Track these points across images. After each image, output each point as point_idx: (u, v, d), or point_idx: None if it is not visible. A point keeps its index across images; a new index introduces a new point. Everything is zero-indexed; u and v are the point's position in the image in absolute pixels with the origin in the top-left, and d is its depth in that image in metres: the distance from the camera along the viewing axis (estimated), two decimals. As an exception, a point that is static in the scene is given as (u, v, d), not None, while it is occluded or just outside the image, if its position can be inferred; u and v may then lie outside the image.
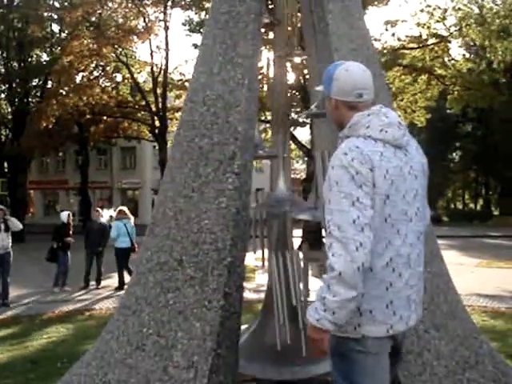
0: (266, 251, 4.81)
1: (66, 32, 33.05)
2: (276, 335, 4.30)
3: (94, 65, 33.84)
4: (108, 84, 35.21)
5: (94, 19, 31.03)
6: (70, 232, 13.44)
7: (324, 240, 2.42)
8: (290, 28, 4.74)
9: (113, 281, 13.76)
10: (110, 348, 4.01)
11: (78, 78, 33.00)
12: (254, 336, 4.84)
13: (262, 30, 5.49)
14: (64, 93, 31.03)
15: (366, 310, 2.48)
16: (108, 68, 34.60)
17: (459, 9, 26.25)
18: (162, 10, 31.21)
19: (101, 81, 34.72)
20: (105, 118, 33.71)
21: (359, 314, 2.47)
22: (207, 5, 23.96)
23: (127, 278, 12.56)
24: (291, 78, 21.42)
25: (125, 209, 14.12)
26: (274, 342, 4.31)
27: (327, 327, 2.41)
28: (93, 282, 13.55)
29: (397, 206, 2.49)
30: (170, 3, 30.83)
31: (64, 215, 13.70)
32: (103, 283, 13.65)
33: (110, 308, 10.60)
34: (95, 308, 10.92)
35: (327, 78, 2.70)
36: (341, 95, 2.65)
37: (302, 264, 4.51)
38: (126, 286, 7.00)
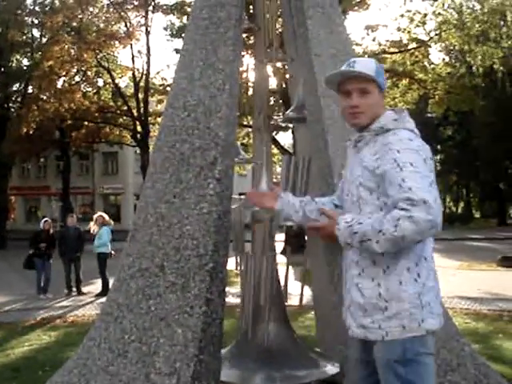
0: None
1: (47, 37, 32.80)
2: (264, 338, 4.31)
3: (75, 70, 33.66)
4: (89, 89, 35.05)
5: (74, 24, 30.89)
6: (53, 238, 13.38)
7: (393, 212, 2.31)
8: (270, 33, 4.75)
9: (95, 287, 13.67)
10: (91, 355, 3.98)
11: (59, 83, 32.80)
12: (238, 344, 4.83)
13: (243, 36, 5.51)
14: (45, 98, 30.84)
15: (426, 303, 2.47)
16: (89, 73, 34.44)
17: (439, 14, 26.48)
18: (144, 14, 31.20)
19: (82, 86, 34.55)
20: (86, 123, 33.52)
21: (421, 307, 2.45)
22: (189, 9, 23.94)
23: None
24: (273, 82, 21.49)
25: (103, 214, 14.14)
26: (258, 349, 4.32)
27: (346, 240, 2.44)
28: (74, 289, 13.47)
29: None
30: (151, 8, 30.81)
31: (42, 222, 13.71)
32: (85, 289, 13.55)
33: (92, 314, 10.51)
34: (77, 314, 10.83)
35: (383, 74, 2.72)
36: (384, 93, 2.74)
37: (278, 268, 4.53)
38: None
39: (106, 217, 13.90)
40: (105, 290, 12.69)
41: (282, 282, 4.75)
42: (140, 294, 3.85)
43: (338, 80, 2.70)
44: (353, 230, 2.40)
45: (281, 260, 5.19)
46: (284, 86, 22.10)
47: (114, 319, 3.95)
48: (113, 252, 13.06)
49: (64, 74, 32.31)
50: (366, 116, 2.65)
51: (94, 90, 35.03)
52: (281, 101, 22.99)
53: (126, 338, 3.81)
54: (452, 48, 27.96)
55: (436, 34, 26.43)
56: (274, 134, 21.16)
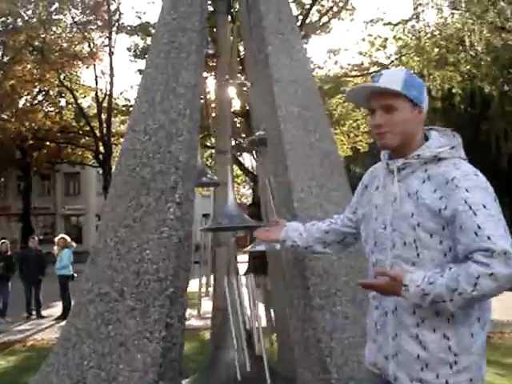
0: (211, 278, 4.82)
1: (9, 56, 32.46)
2: (235, 364, 4.29)
3: (37, 89, 33.32)
4: (51, 109, 34.70)
5: (37, 43, 30.63)
6: (10, 260, 13.13)
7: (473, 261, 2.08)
8: (229, 59, 4.83)
9: (55, 310, 13.44)
10: (50, 382, 3.91)
11: (21, 103, 32.42)
12: (206, 372, 4.81)
13: (207, 60, 5.57)
14: (6, 117, 30.40)
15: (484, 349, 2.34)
16: (51, 93, 34.13)
17: (399, 38, 27.14)
18: (107, 35, 31.13)
19: (44, 106, 34.20)
20: (48, 143, 33.15)
21: (484, 356, 2.33)
22: (153, 31, 23.98)
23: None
24: (236, 104, 21.60)
25: (65, 236, 13.99)
26: (230, 376, 4.31)
27: (415, 302, 2.18)
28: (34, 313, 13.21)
29: None
30: (115, 29, 30.78)
31: None
32: (45, 313, 13.30)
33: (52, 338, 10.29)
34: (37, 339, 10.63)
35: (419, 86, 2.40)
36: (425, 111, 2.43)
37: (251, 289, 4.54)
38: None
39: (68, 239, 13.76)
40: (65, 313, 12.49)
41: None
42: (99, 319, 3.81)
43: (365, 96, 2.40)
44: (424, 291, 2.12)
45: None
46: (248, 107, 22.24)
47: (73, 345, 3.89)
48: (75, 274, 12.89)
49: (26, 93, 31.98)
50: (394, 136, 2.33)
51: (57, 110, 34.70)
52: (244, 122, 23.11)
53: (85, 364, 3.76)
54: (412, 71, 28.55)
55: (396, 58, 27.07)
56: (238, 155, 21.24)
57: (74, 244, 13.75)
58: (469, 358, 2.23)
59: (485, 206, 2.11)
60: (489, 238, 2.06)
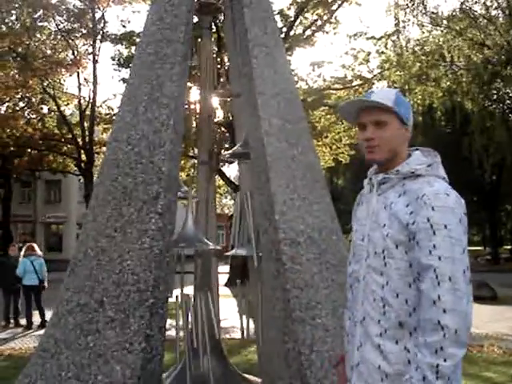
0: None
1: (-9, 62, 32.21)
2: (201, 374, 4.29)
3: (19, 96, 33.04)
4: (33, 116, 34.41)
5: (21, 50, 30.40)
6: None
7: (422, 286, 2.16)
8: (211, 71, 4.86)
9: (33, 319, 13.26)
10: (26, 393, 3.87)
11: (2, 109, 32.14)
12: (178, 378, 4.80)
13: (191, 70, 5.60)
14: (-14, 124, 30.10)
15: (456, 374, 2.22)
16: (34, 100, 33.86)
17: (382, 52, 27.41)
18: (91, 43, 31.00)
19: (26, 112, 33.92)
20: (29, 150, 32.85)
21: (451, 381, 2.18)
22: (137, 40, 23.97)
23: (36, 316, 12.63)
24: (220, 115, 21.64)
25: (34, 245, 13.78)
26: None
27: None
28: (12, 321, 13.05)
29: None
30: (99, 37, 30.69)
31: None
32: (23, 322, 13.13)
33: (30, 348, 10.19)
34: (14, 348, 10.47)
35: (407, 104, 2.45)
36: (410, 130, 2.46)
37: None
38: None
39: (36, 248, 13.56)
40: (29, 324, 12.62)
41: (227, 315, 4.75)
42: (78, 329, 3.79)
43: (355, 111, 2.46)
44: None
45: (226, 292, 5.19)
46: (231, 118, 22.30)
47: (51, 355, 3.86)
48: (45, 284, 12.85)
49: (8, 99, 31.67)
50: (382, 151, 2.39)
51: (39, 117, 34.41)
52: (227, 134, 23.16)
53: (63, 375, 3.73)
54: (394, 86, 28.85)
55: (379, 72, 27.29)
56: (220, 166, 21.24)
57: (40, 253, 13.57)
58: None
59: (446, 227, 2.16)
60: (439, 257, 2.13)
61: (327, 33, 26.13)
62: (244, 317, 5.16)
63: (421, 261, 2.17)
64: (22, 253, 13.33)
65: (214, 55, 5.33)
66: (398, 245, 2.26)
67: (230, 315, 9.49)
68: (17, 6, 28.97)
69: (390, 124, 2.38)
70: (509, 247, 47.43)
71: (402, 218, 2.26)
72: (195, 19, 5.38)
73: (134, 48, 25.89)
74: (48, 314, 11.79)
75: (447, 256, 2.13)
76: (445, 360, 2.07)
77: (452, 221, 2.18)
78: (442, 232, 2.16)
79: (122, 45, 28.18)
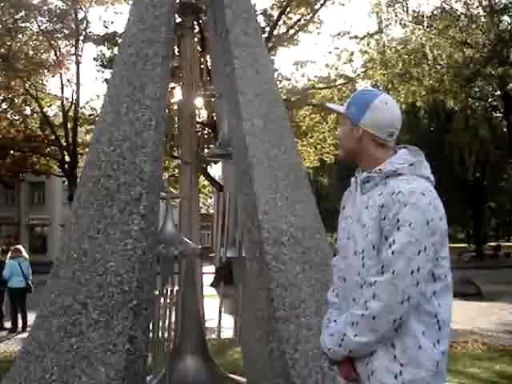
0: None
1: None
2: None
3: (1, 97, 32.78)
4: (16, 117, 34.13)
5: (2, 51, 30.16)
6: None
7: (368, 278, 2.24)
8: (192, 71, 4.87)
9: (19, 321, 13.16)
10: (10, 396, 3.85)
11: (-16, 111, 31.88)
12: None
13: (173, 71, 5.60)
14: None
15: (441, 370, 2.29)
16: (16, 101, 33.58)
17: (365, 52, 27.56)
18: (74, 44, 30.84)
19: (8, 114, 33.64)
20: (12, 151, 32.59)
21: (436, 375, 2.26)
22: (120, 40, 23.87)
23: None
24: (204, 115, 21.60)
25: (20, 247, 13.67)
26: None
27: (338, 358, 2.30)
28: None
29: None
30: (82, 37, 30.53)
31: None
32: (7, 325, 13.03)
33: (14, 351, 10.10)
34: (-1, 352, 10.40)
35: (361, 104, 2.43)
36: (373, 128, 2.40)
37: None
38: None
39: (22, 250, 13.47)
40: (14, 327, 12.47)
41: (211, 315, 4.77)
42: (62, 331, 3.77)
43: None
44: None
45: (212, 292, 5.20)
46: (215, 119, 22.26)
47: (35, 358, 3.85)
48: (31, 286, 12.73)
49: (-10, 100, 31.45)
50: (341, 149, 2.59)
51: (21, 119, 34.13)
52: (211, 134, 23.12)
53: (47, 378, 3.71)
54: (377, 85, 29.01)
55: (362, 71, 27.43)
56: (204, 166, 21.19)
57: (27, 256, 13.47)
58: (415, 372, 2.20)
59: (410, 225, 2.18)
60: (392, 252, 2.18)
61: (310, 32, 26.20)
62: (225, 317, 5.17)
63: (381, 256, 2.23)
64: (9, 255, 13.22)
65: (198, 55, 5.31)
66: (375, 245, 2.28)
67: (216, 315, 9.52)
68: (-2, 6, 28.72)
69: (343, 125, 2.53)
70: (493, 244, 47.78)
71: (378, 215, 2.28)
72: (177, 19, 5.36)
73: (116, 49, 25.78)
74: (31, 317, 11.70)
75: (399, 251, 2.17)
76: (355, 336, 2.21)
77: (418, 221, 2.19)
78: (404, 229, 2.19)
79: (104, 45, 28.03)
